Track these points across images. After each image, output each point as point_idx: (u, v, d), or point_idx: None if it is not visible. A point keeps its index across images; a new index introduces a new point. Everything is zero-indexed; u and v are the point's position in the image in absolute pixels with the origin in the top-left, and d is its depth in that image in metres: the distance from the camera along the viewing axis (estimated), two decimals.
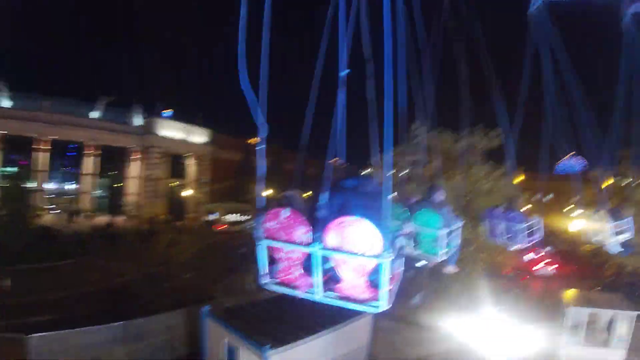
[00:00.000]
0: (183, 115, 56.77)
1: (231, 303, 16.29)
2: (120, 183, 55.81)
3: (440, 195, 7.05)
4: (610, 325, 16.54)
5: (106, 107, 51.23)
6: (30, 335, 12.86)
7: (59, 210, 47.03)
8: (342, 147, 4.61)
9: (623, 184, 22.13)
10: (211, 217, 52.64)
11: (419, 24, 7.13)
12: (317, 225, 3.54)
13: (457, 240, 7.22)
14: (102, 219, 45.41)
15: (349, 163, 4.70)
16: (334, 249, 3.42)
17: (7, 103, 44.36)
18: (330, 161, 4.24)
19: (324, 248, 3.43)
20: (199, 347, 14.20)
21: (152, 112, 54.57)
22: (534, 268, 32.65)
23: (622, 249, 10.69)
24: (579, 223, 20.98)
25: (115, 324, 14.50)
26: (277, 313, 14.18)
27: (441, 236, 6.57)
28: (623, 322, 16.09)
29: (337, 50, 4.35)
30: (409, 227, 6.55)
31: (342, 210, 3.47)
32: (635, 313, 16.12)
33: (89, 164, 50.56)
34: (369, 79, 4.54)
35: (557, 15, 9.68)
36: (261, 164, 3.96)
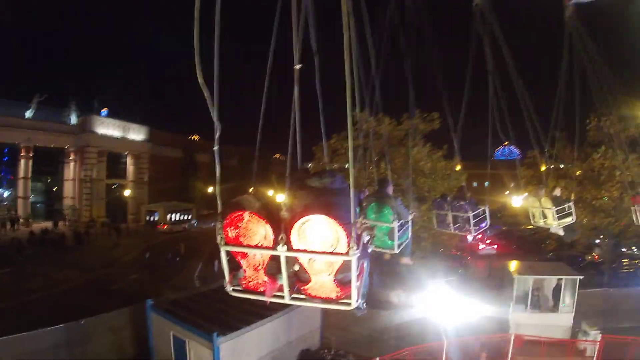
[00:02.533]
0: (121, 113, 54.69)
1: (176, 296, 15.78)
2: (57, 186, 53.13)
3: (390, 188, 7.15)
4: (554, 292, 17.59)
5: (40, 105, 48.53)
6: None
7: None
8: (297, 143, 4.53)
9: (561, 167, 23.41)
10: (153, 217, 50.90)
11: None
12: (280, 226, 3.44)
13: (409, 232, 7.37)
14: (39, 225, 43.23)
15: (303, 164, 4.65)
16: (299, 250, 3.33)
17: None
18: (277, 156, 4.15)
19: (289, 249, 3.34)
20: (146, 346, 13.77)
21: (88, 110, 52.19)
22: (479, 247, 34.06)
23: (564, 233, 11.32)
24: (518, 202, 22.19)
25: (58, 326, 13.68)
26: (224, 301, 13.60)
27: (394, 229, 6.66)
28: (567, 287, 17.11)
29: (287, 46, 4.33)
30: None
31: (306, 209, 3.38)
32: (578, 277, 17.22)
33: (23, 167, 47.74)
34: (317, 70, 4.59)
35: (501, 4, 10.03)
36: (218, 165, 3.81)
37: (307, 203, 3.56)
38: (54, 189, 53.83)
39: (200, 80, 3.26)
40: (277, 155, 69.64)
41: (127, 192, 54.90)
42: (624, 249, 28.16)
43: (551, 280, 17.81)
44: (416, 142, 22.24)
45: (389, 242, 6.81)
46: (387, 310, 20.37)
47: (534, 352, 15.19)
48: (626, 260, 27.99)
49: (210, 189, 48.10)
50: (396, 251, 6.89)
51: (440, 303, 16.94)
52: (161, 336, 12.93)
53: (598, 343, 15.05)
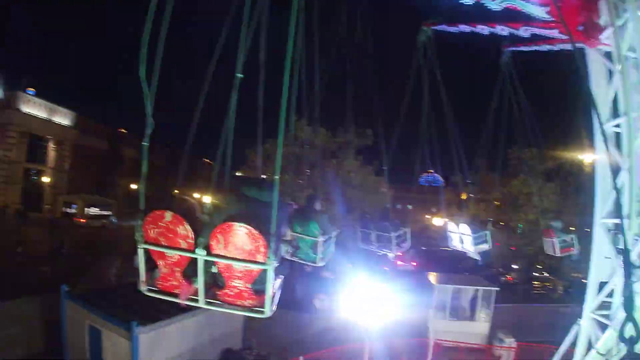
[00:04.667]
0: (48, 95, 51.18)
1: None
2: None
3: (319, 204, 7.33)
4: (472, 302, 18.62)
5: None
6: None
7: None
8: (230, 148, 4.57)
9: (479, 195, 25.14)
10: (70, 209, 47.98)
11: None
12: (202, 230, 3.46)
13: (332, 247, 7.57)
14: None
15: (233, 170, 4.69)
16: (218, 255, 3.37)
17: None
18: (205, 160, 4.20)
19: (208, 254, 3.36)
20: (59, 338, 12.65)
21: (14, 87, 48.45)
22: (398, 263, 34.98)
23: (479, 258, 12.15)
24: (439, 223, 23.40)
25: None
26: (144, 294, 12.72)
27: (319, 243, 6.83)
28: (484, 298, 18.23)
29: (230, 53, 4.40)
30: (288, 234, 6.70)
31: (233, 216, 3.42)
32: (494, 288, 18.45)
33: None
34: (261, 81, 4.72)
35: (443, 43, 10.79)
36: (145, 162, 3.77)
37: (237, 211, 3.60)
38: None
39: (142, 75, 3.24)
40: (206, 159, 68.11)
41: (45, 179, 51.53)
42: (535, 273, 31.06)
43: (469, 291, 18.76)
44: (348, 155, 23.00)
45: (313, 255, 6.96)
46: (310, 314, 20.66)
47: (452, 357, 16.01)
48: (537, 282, 30.87)
49: (133, 186, 46.18)
50: (320, 264, 7.06)
51: (362, 306, 17.38)
52: (76, 326, 11.88)
53: (513, 350, 16.24)
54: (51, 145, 52.80)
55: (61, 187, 52.70)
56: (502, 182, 25.59)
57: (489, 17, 8.31)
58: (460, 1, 7.60)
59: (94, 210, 47.99)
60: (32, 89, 49.10)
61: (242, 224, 3.25)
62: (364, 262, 20.74)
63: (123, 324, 10.74)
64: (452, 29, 10.16)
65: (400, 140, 12.07)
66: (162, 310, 11.65)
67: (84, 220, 45.35)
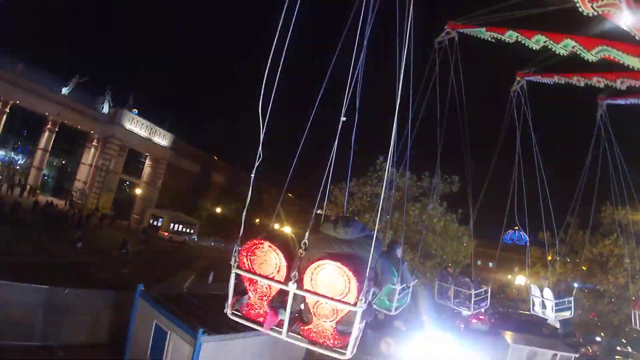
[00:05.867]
0: (151, 114, 55.73)
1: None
2: (71, 167, 53.81)
3: (400, 251, 7.16)
4: None
5: (77, 86, 49.65)
6: None
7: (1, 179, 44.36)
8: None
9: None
10: (156, 222, 50.93)
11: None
12: (295, 263, 3.52)
13: (408, 297, 7.36)
14: (45, 198, 43.21)
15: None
16: (309, 290, 3.40)
17: None
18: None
19: (299, 288, 3.40)
20: (123, 334, 13.21)
21: (121, 104, 53.22)
22: (473, 321, 33.21)
23: (559, 327, 11.24)
24: (522, 281, 21.97)
25: (39, 286, 13.35)
26: (217, 306, 12.97)
27: (396, 291, 6.67)
28: None
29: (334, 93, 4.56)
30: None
31: (323, 255, 3.45)
32: (573, 354, 16.87)
33: (46, 139, 48.40)
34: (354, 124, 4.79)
35: (539, 94, 10.46)
36: (251, 191, 3.96)
37: (322, 250, 3.63)
38: (68, 169, 54.42)
39: (260, 111, 3.42)
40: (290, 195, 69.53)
41: (138, 191, 55.33)
42: (618, 347, 27.60)
43: (546, 354, 17.18)
44: (433, 200, 22.54)
45: (388, 302, 6.82)
46: (376, 357, 20.07)
47: None
48: (619, 357, 27.21)
49: (218, 210, 48.26)
50: (393, 313, 6.89)
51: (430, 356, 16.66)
52: (143, 323, 12.40)
53: None
54: (147, 162, 56.74)
55: (151, 200, 56.13)
56: (592, 242, 23.76)
57: (585, 67, 7.97)
58: (556, 51, 7.35)
59: (177, 227, 50.34)
60: (135, 110, 53.45)
61: (338, 263, 3.26)
62: (437, 315, 20.00)
63: (189, 329, 10.98)
64: (547, 79, 9.86)
65: (488, 191, 11.70)
66: (227, 324, 11.82)
67: (167, 234, 47.67)
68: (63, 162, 54.48)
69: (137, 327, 12.90)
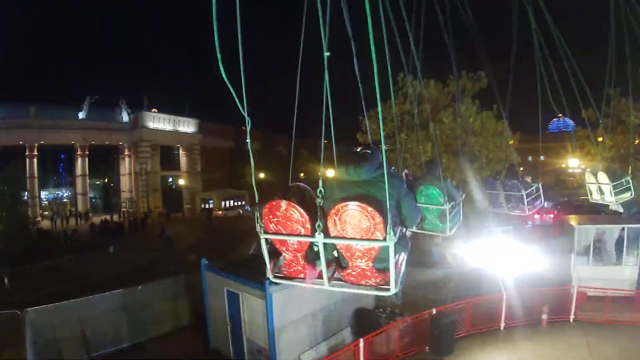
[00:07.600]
0: (170, 107, 56.44)
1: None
2: (113, 181, 55.72)
3: (439, 170, 6.84)
4: (617, 245, 16.70)
5: (91, 106, 50.85)
6: (26, 310, 12.27)
7: (54, 215, 46.74)
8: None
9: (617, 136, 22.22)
10: (208, 205, 52.59)
11: None
12: (317, 214, 3.46)
13: (460, 215, 7.14)
14: (98, 219, 45.22)
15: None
16: (336, 237, 3.34)
17: None
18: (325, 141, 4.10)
19: (326, 237, 3.35)
20: (202, 314, 14.10)
21: (138, 107, 54.02)
22: (535, 217, 32.73)
23: (623, 210, 10.55)
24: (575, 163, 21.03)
25: (115, 291, 14.13)
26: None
27: (446, 212, 6.46)
28: (632, 238, 16.19)
29: (317, 32, 4.28)
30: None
31: (344, 198, 3.37)
32: None
33: (80, 165, 50.25)
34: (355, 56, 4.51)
35: None
36: (252, 159, 3.88)
37: (338, 195, 3.55)
38: (111, 185, 56.44)
39: (224, 76, 3.21)
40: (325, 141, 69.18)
41: (181, 182, 56.82)
42: None
43: (613, 231, 16.82)
44: (464, 101, 21.76)
45: (441, 224, 6.60)
46: (444, 269, 20.65)
47: (597, 306, 14.39)
48: None
49: (261, 175, 49.22)
50: (449, 234, 6.72)
51: (497, 254, 16.70)
52: (216, 293, 13.11)
53: None
54: (181, 152, 57.83)
55: (196, 186, 57.53)
56: (636, 107, 21.70)
57: None
58: None
59: (228, 203, 52.05)
60: (155, 110, 54.22)
61: (355, 202, 3.17)
62: (497, 222, 19.78)
63: (258, 284, 11.43)
64: None
65: (517, 80, 10.85)
66: None
67: (221, 212, 49.38)
68: (105, 180, 56.46)
69: (210, 298, 13.62)
